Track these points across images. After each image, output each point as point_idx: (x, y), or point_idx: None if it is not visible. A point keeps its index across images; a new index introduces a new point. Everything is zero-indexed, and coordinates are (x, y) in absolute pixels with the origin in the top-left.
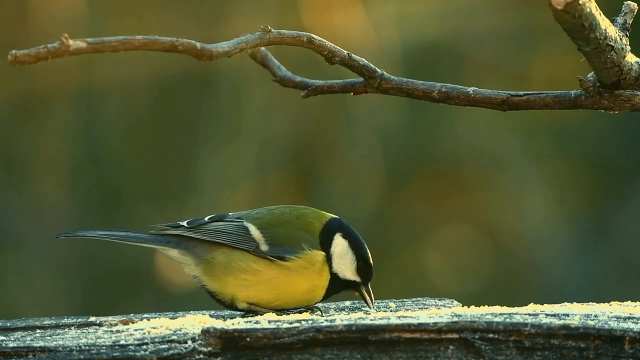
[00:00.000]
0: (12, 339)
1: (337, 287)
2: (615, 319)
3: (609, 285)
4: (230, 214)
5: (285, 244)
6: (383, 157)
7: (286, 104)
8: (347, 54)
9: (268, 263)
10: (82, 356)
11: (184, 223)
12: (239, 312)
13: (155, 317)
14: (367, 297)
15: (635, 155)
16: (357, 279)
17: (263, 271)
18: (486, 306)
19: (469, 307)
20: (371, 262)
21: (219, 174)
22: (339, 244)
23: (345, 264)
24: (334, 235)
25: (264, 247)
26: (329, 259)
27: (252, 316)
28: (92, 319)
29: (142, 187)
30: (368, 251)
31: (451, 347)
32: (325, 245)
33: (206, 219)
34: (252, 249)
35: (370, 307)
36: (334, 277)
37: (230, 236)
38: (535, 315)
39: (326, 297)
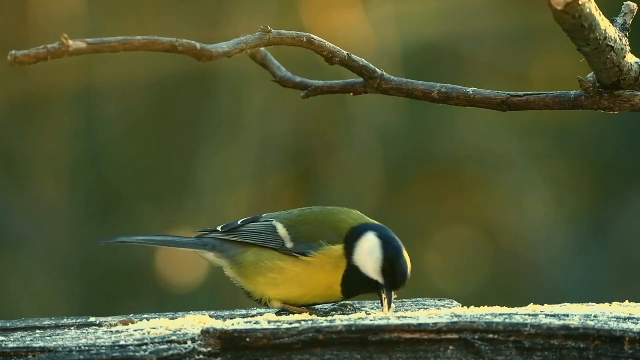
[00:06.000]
0: (12, 340)
1: (357, 283)
2: (615, 319)
3: (609, 286)
4: (264, 215)
5: (310, 241)
6: (383, 157)
7: (286, 105)
8: (347, 54)
9: (293, 260)
10: (82, 357)
11: (219, 228)
12: (239, 313)
13: (155, 318)
14: (385, 302)
15: (635, 155)
16: (380, 279)
17: (289, 269)
18: (486, 307)
19: (469, 308)
20: (403, 270)
21: (219, 175)
22: (369, 240)
23: (369, 260)
24: (366, 232)
25: (289, 245)
26: (349, 253)
27: (253, 316)
28: (92, 319)
29: (142, 187)
30: (403, 261)
31: (451, 347)
32: (352, 240)
33: (239, 222)
34: (278, 247)
35: (385, 312)
36: (353, 270)
37: (260, 236)
38: (535, 315)
39: (349, 293)
